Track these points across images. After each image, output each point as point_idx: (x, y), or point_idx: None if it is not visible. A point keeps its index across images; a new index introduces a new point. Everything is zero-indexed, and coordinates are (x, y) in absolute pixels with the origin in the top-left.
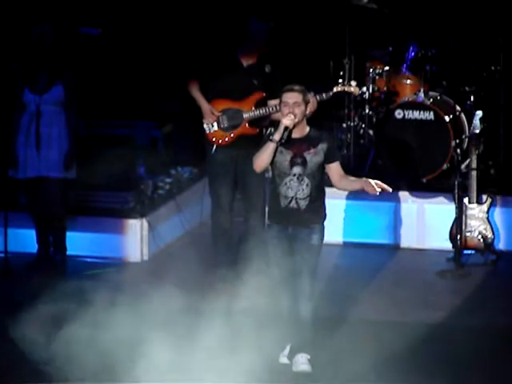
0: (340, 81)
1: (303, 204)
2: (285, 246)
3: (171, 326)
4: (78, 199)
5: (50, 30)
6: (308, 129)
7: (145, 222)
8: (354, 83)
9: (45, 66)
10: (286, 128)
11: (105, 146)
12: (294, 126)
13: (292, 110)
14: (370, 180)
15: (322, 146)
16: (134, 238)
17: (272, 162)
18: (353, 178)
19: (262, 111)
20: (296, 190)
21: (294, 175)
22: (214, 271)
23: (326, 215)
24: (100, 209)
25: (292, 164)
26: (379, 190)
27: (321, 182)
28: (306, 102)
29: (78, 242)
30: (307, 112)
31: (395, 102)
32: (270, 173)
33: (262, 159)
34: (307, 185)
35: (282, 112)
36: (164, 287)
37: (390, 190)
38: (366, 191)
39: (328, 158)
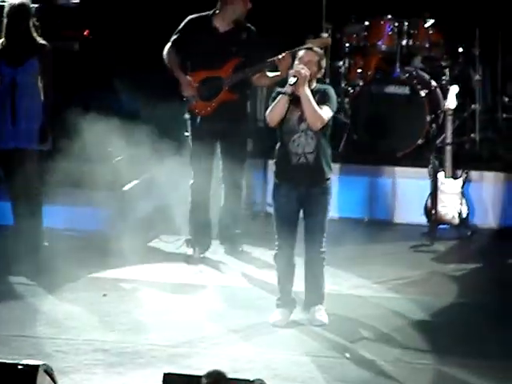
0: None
1: (311, 157)
2: (293, 207)
3: None
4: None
5: (27, 3)
6: (314, 85)
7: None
8: (325, 34)
9: (21, 39)
10: (297, 79)
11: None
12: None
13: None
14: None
15: (319, 96)
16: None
17: (280, 120)
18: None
19: (241, 75)
20: (304, 145)
21: (302, 131)
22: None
23: (332, 170)
24: (76, 181)
25: (300, 120)
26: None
27: (325, 135)
28: (320, 67)
29: (55, 215)
30: (318, 76)
31: (371, 76)
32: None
33: (276, 113)
34: (312, 138)
35: (296, 67)
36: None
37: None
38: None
39: (319, 102)
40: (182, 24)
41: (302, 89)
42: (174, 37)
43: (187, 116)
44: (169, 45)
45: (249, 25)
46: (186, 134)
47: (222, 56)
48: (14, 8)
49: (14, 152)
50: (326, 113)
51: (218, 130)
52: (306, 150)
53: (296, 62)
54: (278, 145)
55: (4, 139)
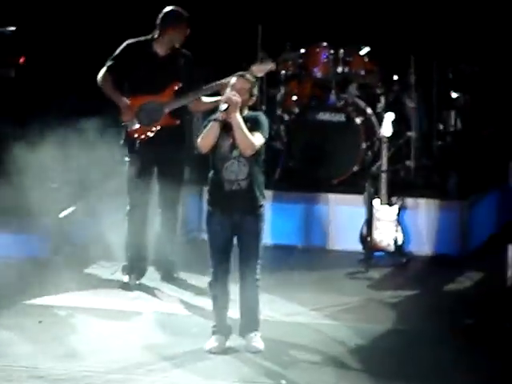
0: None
1: (244, 184)
2: (227, 234)
3: None
4: None
5: None
6: (246, 112)
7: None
8: (269, 60)
9: None
10: (228, 106)
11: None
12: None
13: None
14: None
15: (250, 124)
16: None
17: (212, 147)
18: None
19: (183, 100)
20: (237, 171)
21: (235, 158)
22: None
23: (264, 197)
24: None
25: (232, 147)
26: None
27: (258, 162)
28: (251, 95)
29: None
30: (249, 103)
31: (307, 104)
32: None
33: (207, 139)
34: (244, 165)
35: (227, 93)
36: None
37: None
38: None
39: (250, 130)
40: (120, 48)
41: (234, 115)
42: (110, 62)
43: (123, 142)
44: (104, 69)
45: (185, 51)
46: (127, 158)
47: (163, 80)
48: None
49: None
50: (258, 139)
51: (157, 155)
52: (239, 177)
53: (227, 89)
54: (211, 172)
55: None
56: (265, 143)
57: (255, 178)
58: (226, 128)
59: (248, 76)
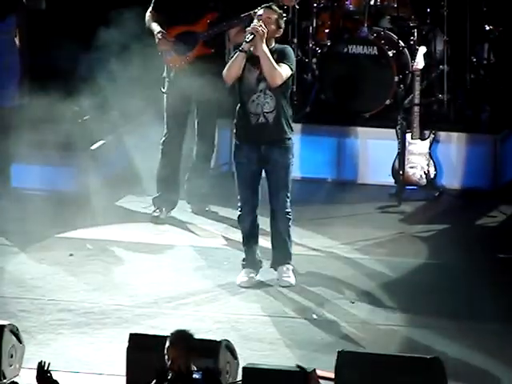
0: None
1: (271, 117)
2: (254, 167)
3: None
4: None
5: None
6: (273, 44)
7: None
8: None
9: None
10: (254, 36)
11: (47, 77)
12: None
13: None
14: None
15: (277, 55)
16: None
17: (239, 80)
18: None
19: (217, 29)
20: (262, 104)
21: (261, 91)
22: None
23: (292, 130)
24: (44, 141)
25: (259, 80)
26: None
27: (285, 95)
28: (278, 26)
29: (22, 174)
30: (276, 35)
31: (339, 36)
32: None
33: (232, 70)
34: (271, 97)
35: (253, 24)
36: None
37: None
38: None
39: (277, 61)
40: None
41: (260, 46)
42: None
43: (165, 74)
44: (150, 7)
45: None
46: (163, 90)
47: (198, 11)
48: None
49: None
50: (285, 70)
51: (193, 85)
52: (265, 110)
53: (254, 20)
54: (238, 105)
55: None
56: (292, 76)
57: (282, 110)
58: (253, 60)
59: (275, 7)
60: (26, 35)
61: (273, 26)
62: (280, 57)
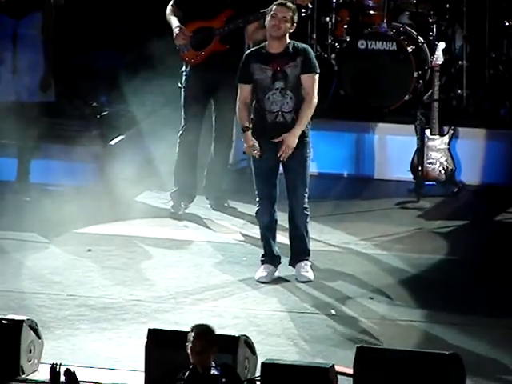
0: None
1: (289, 117)
2: (272, 163)
3: None
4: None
5: None
6: (288, 42)
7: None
8: None
9: None
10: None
11: (65, 74)
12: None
13: (277, 23)
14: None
15: (300, 58)
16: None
17: (253, 80)
18: (301, 115)
19: (232, 26)
20: (281, 103)
21: (277, 89)
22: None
23: (310, 126)
24: (63, 136)
25: (274, 79)
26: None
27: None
28: (293, 22)
29: (41, 169)
30: (290, 31)
31: (358, 32)
32: None
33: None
34: (291, 98)
35: (268, 22)
36: None
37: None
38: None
39: (302, 69)
40: None
41: (293, 141)
42: None
43: (183, 68)
44: (171, 1)
45: None
46: (180, 85)
47: (216, 7)
48: None
49: (13, 104)
50: (315, 90)
51: (209, 81)
52: (283, 109)
53: (267, 17)
54: (254, 102)
55: (4, 91)
56: None
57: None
58: (264, 60)
59: (289, 4)
60: (52, 31)
61: (288, 24)
62: (305, 65)
